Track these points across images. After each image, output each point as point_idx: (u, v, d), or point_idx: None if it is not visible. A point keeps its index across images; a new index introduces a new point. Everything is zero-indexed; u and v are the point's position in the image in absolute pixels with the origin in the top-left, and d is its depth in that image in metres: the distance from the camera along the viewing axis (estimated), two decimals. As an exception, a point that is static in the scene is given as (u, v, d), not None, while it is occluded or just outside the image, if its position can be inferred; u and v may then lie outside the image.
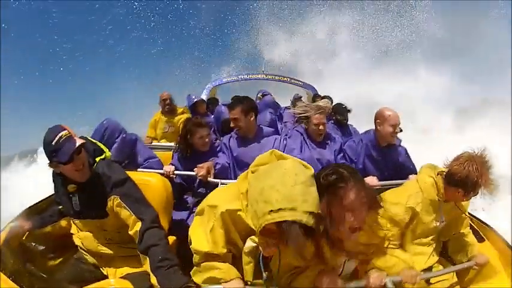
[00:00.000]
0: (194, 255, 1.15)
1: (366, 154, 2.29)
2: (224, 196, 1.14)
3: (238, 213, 1.08)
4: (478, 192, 1.47)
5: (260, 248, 1.05)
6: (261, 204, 0.92)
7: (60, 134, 1.27)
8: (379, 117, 2.22)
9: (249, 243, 1.08)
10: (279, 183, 0.91)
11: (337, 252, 1.11)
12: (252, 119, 2.26)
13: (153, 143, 3.39)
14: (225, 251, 1.11)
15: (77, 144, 1.28)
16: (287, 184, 0.91)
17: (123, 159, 1.99)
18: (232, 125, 2.24)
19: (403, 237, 1.59)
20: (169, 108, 3.64)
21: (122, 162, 1.95)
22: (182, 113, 3.69)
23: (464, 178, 1.42)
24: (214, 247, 1.10)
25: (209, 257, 1.12)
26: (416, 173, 2.21)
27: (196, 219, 1.20)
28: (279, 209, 0.88)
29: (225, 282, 1.08)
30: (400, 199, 1.55)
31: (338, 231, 1.01)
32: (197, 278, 1.13)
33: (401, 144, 2.43)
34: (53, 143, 1.26)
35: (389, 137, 2.20)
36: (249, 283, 1.11)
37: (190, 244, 1.16)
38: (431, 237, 1.62)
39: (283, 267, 1.10)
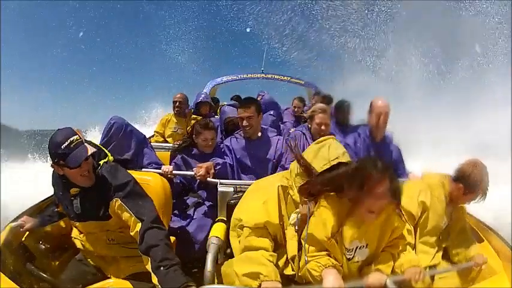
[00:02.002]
0: (244, 230, 1.21)
1: (364, 148, 2.32)
2: (274, 178, 1.37)
3: (287, 190, 1.30)
4: (476, 195, 1.57)
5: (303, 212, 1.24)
6: (318, 160, 1.24)
7: (71, 139, 1.27)
8: (370, 108, 2.29)
9: (293, 216, 1.26)
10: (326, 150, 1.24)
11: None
12: (261, 119, 2.29)
13: (152, 143, 3.40)
14: (277, 222, 1.23)
15: (89, 153, 1.28)
16: (332, 149, 1.24)
17: (129, 155, 2.04)
18: (245, 123, 2.19)
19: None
20: (178, 111, 3.62)
21: (126, 159, 1.99)
22: (195, 118, 3.66)
23: (468, 175, 1.57)
24: (268, 216, 1.22)
25: (259, 230, 1.20)
26: (406, 174, 2.32)
27: (243, 202, 1.35)
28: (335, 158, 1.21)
29: (267, 280, 1.09)
30: (412, 194, 1.63)
31: (357, 208, 1.17)
32: (239, 268, 1.14)
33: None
34: (63, 146, 1.25)
35: (374, 127, 2.26)
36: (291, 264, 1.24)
37: (237, 221, 1.26)
38: (435, 239, 1.64)
39: (312, 243, 1.20)
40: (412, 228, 1.61)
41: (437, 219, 1.63)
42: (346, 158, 1.24)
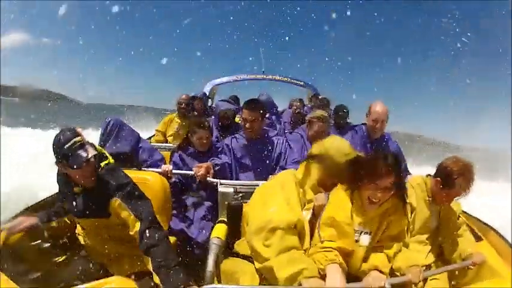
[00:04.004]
0: (276, 232, 1.14)
1: (361, 144, 2.45)
2: (285, 176, 1.39)
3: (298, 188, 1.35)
4: (453, 190, 1.52)
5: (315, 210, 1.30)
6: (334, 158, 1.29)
7: (74, 140, 1.30)
8: (368, 111, 2.44)
9: (306, 212, 1.31)
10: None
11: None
12: (264, 122, 2.33)
13: (152, 143, 3.40)
14: (302, 218, 1.25)
15: (90, 155, 1.32)
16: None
17: (127, 149, 2.13)
18: (248, 126, 2.20)
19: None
20: (183, 113, 3.64)
21: (125, 153, 2.08)
22: None
23: (444, 168, 1.55)
24: (297, 214, 1.24)
25: (291, 230, 1.18)
26: (406, 170, 2.42)
27: (257, 199, 1.33)
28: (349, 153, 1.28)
29: (310, 277, 1.08)
30: None
31: (360, 193, 1.26)
32: (282, 272, 1.08)
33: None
34: (66, 147, 1.28)
35: (371, 130, 2.44)
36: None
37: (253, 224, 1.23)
38: (427, 236, 1.64)
39: (331, 225, 1.24)
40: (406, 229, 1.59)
41: (425, 219, 1.62)
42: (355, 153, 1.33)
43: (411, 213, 1.63)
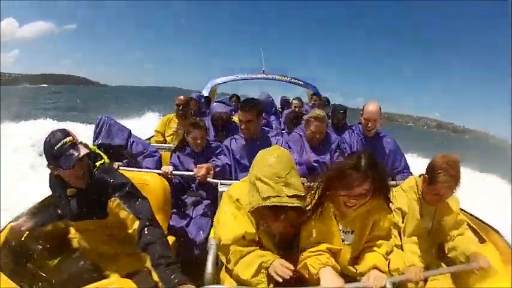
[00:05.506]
0: (230, 248, 1.21)
1: (358, 142, 2.52)
2: (238, 188, 1.32)
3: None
4: (438, 186, 1.49)
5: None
6: (254, 194, 1.14)
7: (64, 140, 1.29)
8: (362, 110, 2.50)
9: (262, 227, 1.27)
10: (264, 174, 1.12)
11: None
12: (261, 121, 2.32)
13: (152, 143, 3.41)
14: (253, 230, 1.23)
15: (82, 154, 1.30)
16: (271, 174, 1.12)
17: (121, 141, 2.26)
18: (244, 126, 2.20)
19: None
20: (181, 114, 3.62)
21: (119, 145, 2.21)
22: None
23: (430, 164, 1.55)
24: (243, 228, 1.22)
25: (241, 241, 1.22)
26: (405, 166, 2.50)
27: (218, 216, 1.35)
28: (268, 197, 1.10)
29: (271, 263, 1.15)
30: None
31: (335, 200, 1.25)
32: (245, 275, 1.17)
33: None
34: (56, 147, 1.27)
35: (364, 127, 2.50)
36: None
37: (219, 239, 1.26)
38: (422, 236, 1.62)
39: (309, 230, 1.25)
40: (397, 233, 1.58)
41: (418, 220, 1.60)
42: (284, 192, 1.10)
43: (403, 217, 1.61)
